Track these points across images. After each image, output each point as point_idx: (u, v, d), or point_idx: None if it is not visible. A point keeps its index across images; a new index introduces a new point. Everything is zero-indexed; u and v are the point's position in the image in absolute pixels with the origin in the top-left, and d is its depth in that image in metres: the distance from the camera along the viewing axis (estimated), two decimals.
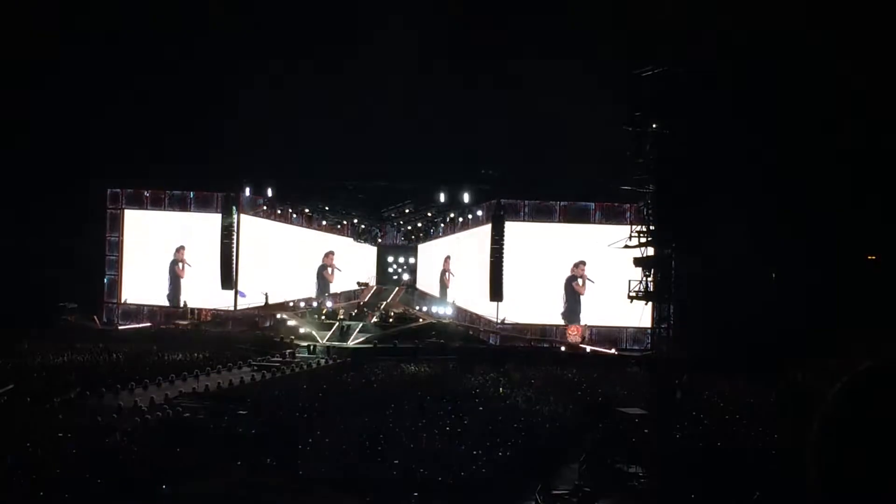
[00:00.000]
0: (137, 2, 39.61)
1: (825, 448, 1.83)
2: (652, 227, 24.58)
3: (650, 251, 24.70)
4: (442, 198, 37.56)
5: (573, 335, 35.42)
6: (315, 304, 41.88)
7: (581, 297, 36.41)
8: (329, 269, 45.22)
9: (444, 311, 40.09)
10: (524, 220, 36.21)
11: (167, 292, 39.38)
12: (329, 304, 42.91)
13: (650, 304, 32.98)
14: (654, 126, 23.11)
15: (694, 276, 29.10)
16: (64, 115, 37.27)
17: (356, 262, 47.16)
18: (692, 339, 30.58)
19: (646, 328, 33.79)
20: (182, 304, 38.99)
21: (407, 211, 43.26)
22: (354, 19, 38.08)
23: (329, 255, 45.04)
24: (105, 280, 39.54)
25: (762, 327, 29.17)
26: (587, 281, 36.25)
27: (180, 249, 39.15)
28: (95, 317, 38.73)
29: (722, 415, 20.39)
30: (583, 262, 36.07)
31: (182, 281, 39.20)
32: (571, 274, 36.26)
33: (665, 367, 21.74)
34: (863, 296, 28.28)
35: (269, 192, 39.36)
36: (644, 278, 32.31)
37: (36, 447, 14.68)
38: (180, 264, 39.19)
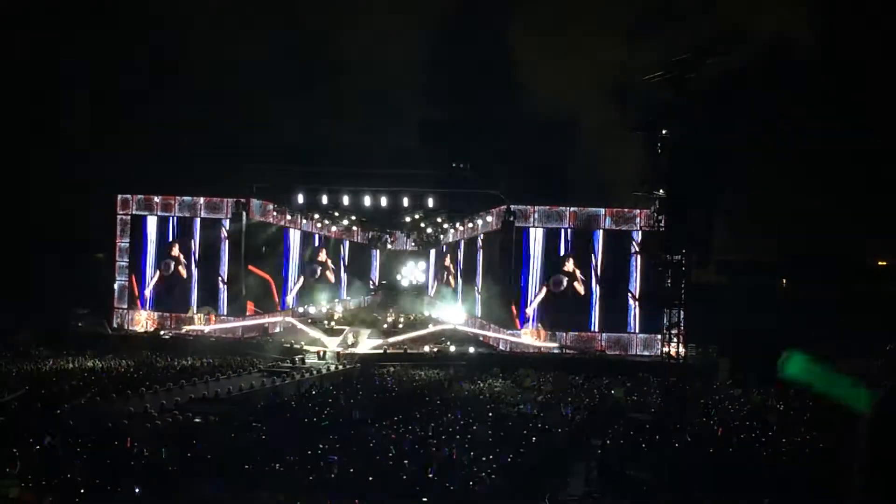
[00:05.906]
0: (143, 3, 39.96)
1: (870, 460, 1.81)
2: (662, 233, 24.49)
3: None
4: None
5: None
6: (314, 309, 41.90)
7: (579, 299, 35.93)
8: (328, 268, 45.09)
9: (454, 316, 39.98)
10: (534, 226, 36.03)
11: (176, 297, 39.41)
12: (339, 309, 42.96)
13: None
14: (664, 132, 23.01)
15: (705, 282, 29.00)
16: (76, 122, 37.54)
17: (366, 268, 47.19)
18: (702, 345, 30.47)
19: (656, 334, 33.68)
20: (192, 310, 39.02)
21: (417, 216, 43.25)
22: (355, 22, 38.28)
23: (320, 250, 44.78)
24: (115, 285, 39.67)
25: (772, 333, 28.98)
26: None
27: (180, 250, 39.11)
28: (106, 322, 38.87)
29: (732, 420, 20.28)
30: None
31: (189, 285, 39.20)
32: (571, 274, 35.74)
33: (675, 373, 21.66)
34: (872, 302, 28.07)
35: (279, 198, 39.51)
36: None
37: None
38: (182, 266, 39.21)
